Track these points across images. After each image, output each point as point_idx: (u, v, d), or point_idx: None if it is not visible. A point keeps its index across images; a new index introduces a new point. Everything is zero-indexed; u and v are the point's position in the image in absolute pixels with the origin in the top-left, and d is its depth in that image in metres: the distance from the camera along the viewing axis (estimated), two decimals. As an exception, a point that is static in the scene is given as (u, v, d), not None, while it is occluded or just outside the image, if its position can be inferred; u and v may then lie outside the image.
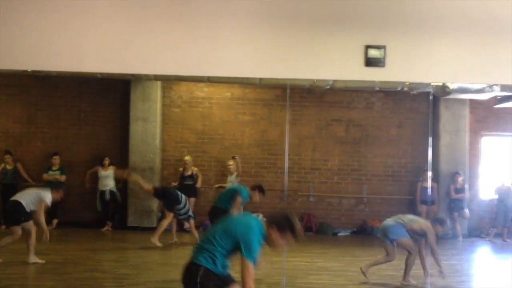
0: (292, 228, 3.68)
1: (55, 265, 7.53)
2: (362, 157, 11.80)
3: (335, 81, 8.87)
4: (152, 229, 10.97)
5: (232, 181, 11.09)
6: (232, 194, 8.13)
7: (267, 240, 3.69)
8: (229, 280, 3.70)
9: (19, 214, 7.44)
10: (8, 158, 11.13)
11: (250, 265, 3.52)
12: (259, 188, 8.21)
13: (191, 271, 3.61)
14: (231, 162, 11.08)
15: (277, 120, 11.68)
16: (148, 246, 9.38)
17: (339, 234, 11.47)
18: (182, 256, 8.96)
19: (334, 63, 6.33)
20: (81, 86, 11.53)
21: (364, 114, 11.82)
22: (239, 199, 7.96)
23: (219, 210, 7.82)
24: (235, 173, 11.03)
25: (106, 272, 7.41)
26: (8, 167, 11.13)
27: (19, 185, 11.03)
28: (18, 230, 7.48)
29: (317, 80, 9.87)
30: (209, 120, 11.78)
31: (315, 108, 11.83)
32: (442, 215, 7.68)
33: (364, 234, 11.40)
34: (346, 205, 11.80)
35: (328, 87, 10.07)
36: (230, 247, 3.59)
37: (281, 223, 3.68)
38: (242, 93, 11.77)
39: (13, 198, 7.76)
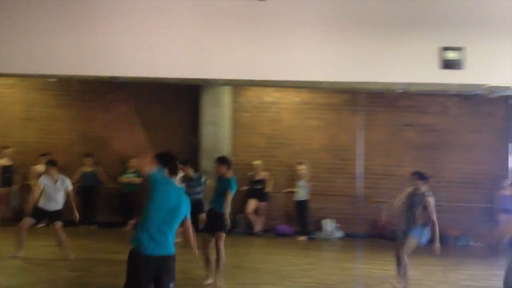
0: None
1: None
2: (437, 163, 11.41)
3: (408, 84, 8.69)
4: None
5: (302, 186, 11.08)
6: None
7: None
8: None
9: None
10: (88, 160, 11.60)
11: None
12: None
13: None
14: (301, 167, 11.07)
15: (347, 125, 11.54)
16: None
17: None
18: (252, 259, 9.14)
19: (408, 66, 6.20)
20: (155, 92, 11.87)
21: (438, 118, 11.45)
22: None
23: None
24: (305, 178, 11.00)
25: (184, 273, 7.55)
26: (88, 169, 11.59)
27: (98, 187, 11.54)
28: None
29: (390, 84, 9.71)
30: (278, 125, 11.81)
31: (386, 112, 11.59)
32: None
33: (444, 242, 10.97)
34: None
35: (402, 90, 9.91)
36: None
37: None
38: (311, 98, 11.72)
39: None
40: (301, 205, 11.21)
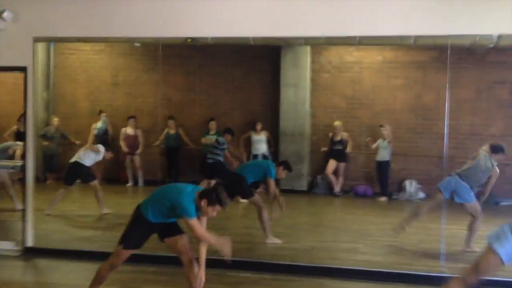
0: (220, 201, 4.17)
1: (215, 221, 7.98)
2: (529, 122, 10.80)
3: (499, 37, 8.16)
4: (303, 192, 11.25)
5: (384, 147, 10.88)
6: (264, 174, 7.37)
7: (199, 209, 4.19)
8: None
9: None
10: (171, 123, 11.98)
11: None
12: (285, 165, 7.58)
13: None
14: (384, 128, 10.85)
15: (432, 84, 11.10)
16: (299, 208, 9.60)
17: (501, 203, 10.69)
18: (332, 218, 9.16)
19: (500, 15, 5.84)
20: (235, 55, 11.98)
21: (532, 74, 10.76)
22: (271, 182, 7.32)
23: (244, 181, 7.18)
24: (387, 139, 10.79)
25: (259, 229, 7.71)
26: (171, 131, 11.97)
27: (181, 148, 11.91)
28: None
29: (479, 38, 9.20)
30: (359, 85, 11.57)
31: (475, 69, 11.01)
32: None
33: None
34: (509, 173, 10.92)
35: (492, 45, 9.36)
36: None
37: (211, 197, 4.14)
38: (394, 56, 11.35)
39: None
40: (383, 166, 11.03)
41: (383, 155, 10.96)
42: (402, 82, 11.28)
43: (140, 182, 11.65)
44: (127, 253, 4.27)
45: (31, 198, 5.97)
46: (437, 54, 10.98)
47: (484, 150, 7.04)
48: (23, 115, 10.09)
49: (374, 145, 10.94)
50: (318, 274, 5.49)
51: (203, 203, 4.12)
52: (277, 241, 6.87)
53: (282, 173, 7.40)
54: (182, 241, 4.32)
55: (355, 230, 7.88)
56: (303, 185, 11.52)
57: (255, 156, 11.53)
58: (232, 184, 6.75)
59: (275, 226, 7.61)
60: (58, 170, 11.58)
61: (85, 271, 5.42)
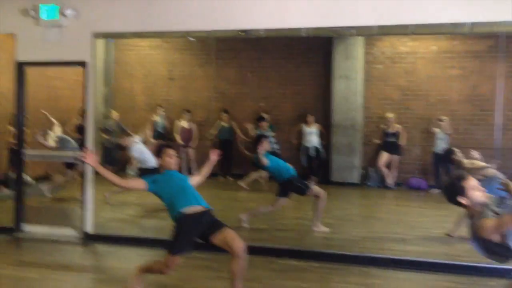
0: None
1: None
2: None
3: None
4: (355, 185, 11.22)
5: (441, 138, 10.65)
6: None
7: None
8: None
9: None
10: (224, 116, 12.22)
11: None
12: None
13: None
14: (442, 119, 10.63)
15: (490, 74, 10.80)
16: (350, 200, 9.62)
17: None
18: (383, 210, 9.12)
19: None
20: (287, 48, 12.06)
21: None
22: None
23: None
24: (445, 131, 10.54)
25: (311, 220, 7.80)
26: (225, 124, 12.21)
27: (234, 141, 12.12)
28: None
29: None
30: (413, 75, 11.39)
31: (535, 58, 10.63)
32: None
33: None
34: None
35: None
36: None
37: None
38: (450, 45, 11.11)
39: None
40: (439, 158, 10.80)
41: (440, 146, 10.76)
42: (458, 72, 11.02)
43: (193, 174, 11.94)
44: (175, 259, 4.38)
45: (90, 187, 6.29)
46: (494, 42, 10.65)
47: None
48: (84, 109, 10.63)
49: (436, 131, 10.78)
50: (365, 263, 5.53)
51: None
52: (325, 229, 6.94)
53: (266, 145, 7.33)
54: (228, 234, 4.28)
55: (406, 222, 7.83)
56: (355, 177, 11.48)
57: (307, 149, 11.61)
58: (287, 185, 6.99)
59: (325, 218, 7.68)
60: (117, 162, 12.06)
61: (139, 256, 5.72)
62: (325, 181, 11.52)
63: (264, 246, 5.96)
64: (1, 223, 6.76)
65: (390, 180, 11.19)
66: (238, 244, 4.19)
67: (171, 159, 4.68)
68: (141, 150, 8.62)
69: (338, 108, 11.50)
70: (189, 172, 12.05)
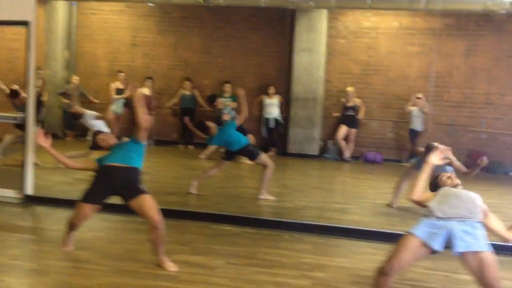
0: None
1: (216, 180, 8.20)
2: (546, 93, 10.58)
3: (511, 3, 7.98)
4: (314, 157, 11.34)
5: (417, 116, 10.71)
6: None
7: None
8: None
9: None
10: (187, 84, 12.16)
11: None
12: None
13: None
14: (418, 96, 10.65)
15: (448, 51, 10.94)
16: (304, 171, 9.73)
17: (510, 173, 10.58)
18: (334, 181, 9.26)
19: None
20: (252, 18, 12.00)
21: (552, 43, 10.47)
22: None
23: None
24: (421, 108, 10.61)
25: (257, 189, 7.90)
26: (187, 93, 12.16)
27: (196, 110, 12.09)
28: None
29: (491, 4, 9.02)
30: (375, 51, 11.47)
31: (493, 37, 10.78)
32: None
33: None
34: (521, 144, 10.77)
35: (504, 11, 9.16)
36: None
37: None
38: (411, 22, 11.18)
39: None
40: (414, 135, 10.77)
41: (416, 123, 10.83)
42: (418, 49, 11.13)
43: (151, 142, 11.90)
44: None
45: (31, 148, 6.25)
46: (453, 21, 10.80)
47: None
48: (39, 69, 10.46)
49: (408, 109, 10.86)
50: (299, 230, 5.63)
51: None
52: (270, 197, 7.04)
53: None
54: (145, 203, 4.31)
55: (352, 192, 7.98)
56: (314, 149, 11.61)
57: (267, 120, 11.66)
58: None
59: (274, 187, 7.79)
60: (77, 127, 11.95)
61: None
62: (284, 152, 11.64)
63: (200, 212, 6.04)
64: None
65: (347, 153, 11.35)
66: (154, 215, 4.25)
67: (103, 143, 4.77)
68: (93, 120, 8.63)
69: (299, 80, 11.53)
70: (148, 141, 12.00)
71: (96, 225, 5.47)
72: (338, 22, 11.67)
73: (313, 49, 11.44)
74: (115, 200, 4.50)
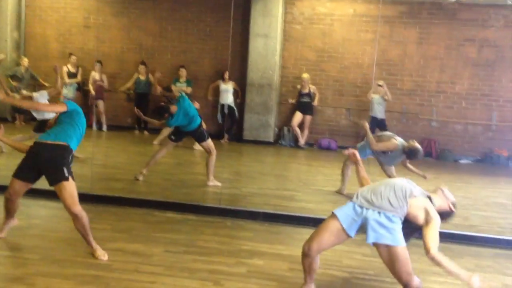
0: None
1: (167, 166, 8.09)
2: (495, 81, 10.80)
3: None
4: (269, 143, 11.32)
5: (379, 103, 10.60)
6: None
7: None
8: None
9: None
10: (142, 68, 11.92)
11: None
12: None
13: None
14: (379, 83, 10.64)
15: (399, 39, 11.04)
16: (257, 158, 9.70)
17: (461, 161, 10.81)
18: (285, 168, 9.26)
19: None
20: (208, 1, 11.83)
21: (501, 33, 10.67)
22: None
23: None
24: (382, 96, 10.55)
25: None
26: (141, 77, 11.92)
27: (150, 94, 11.88)
28: None
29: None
30: (330, 37, 11.47)
31: (445, 26, 10.92)
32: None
33: (489, 163, 10.62)
34: (471, 132, 10.99)
35: (455, 1, 9.26)
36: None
37: None
38: (365, 9, 11.22)
39: None
40: (376, 122, 10.53)
41: (377, 111, 10.71)
42: (371, 36, 11.18)
43: (104, 127, 11.70)
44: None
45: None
46: (406, 9, 10.89)
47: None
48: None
49: (369, 96, 10.69)
50: (243, 217, 5.60)
51: None
52: (217, 184, 6.98)
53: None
54: (62, 193, 4.18)
55: (301, 179, 7.98)
56: (269, 136, 11.60)
57: (222, 106, 11.56)
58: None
59: (224, 173, 7.74)
60: (27, 111, 11.58)
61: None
62: (239, 139, 11.58)
63: (143, 199, 5.94)
64: None
65: (302, 140, 11.37)
66: (71, 205, 4.13)
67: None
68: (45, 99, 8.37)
69: (255, 66, 11.46)
70: (99, 126, 11.78)
71: (33, 212, 5.31)
72: (294, 7, 11.62)
73: (269, 34, 11.37)
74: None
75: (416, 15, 10.98)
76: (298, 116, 11.35)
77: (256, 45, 11.41)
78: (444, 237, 4.23)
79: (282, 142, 11.59)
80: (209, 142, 7.08)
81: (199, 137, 7.14)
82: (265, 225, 5.47)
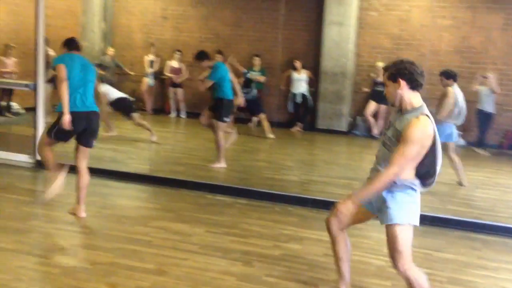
0: None
1: (234, 153, 8.24)
2: None
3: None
4: (342, 133, 11.18)
5: (486, 95, 9.80)
6: None
7: None
8: None
9: None
10: (218, 57, 12.14)
11: None
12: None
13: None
14: (488, 75, 9.72)
15: (482, 25, 10.44)
16: (325, 147, 9.64)
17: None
18: (351, 158, 9.12)
19: None
20: (281, -10, 11.85)
21: None
22: None
23: None
24: (491, 88, 9.78)
25: (271, 163, 7.92)
26: (217, 66, 12.19)
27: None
28: None
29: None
30: (407, 24, 11.08)
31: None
32: None
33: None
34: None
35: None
36: None
37: None
38: (446, -6, 10.72)
39: None
40: (485, 116, 9.88)
41: (485, 103, 9.94)
42: (451, 22, 10.67)
43: (183, 114, 12.10)
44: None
45: (41, 116, 6.50)
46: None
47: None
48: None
49: (476, 88, 9.78)
50: (292, 203, 5.62)
51: None
52: (223, 165, 7.07)
53: None
54: (79, 153, 4.83)
55: (365, 169, 7.77)
56: (342, 125, 11.44)
57: (294, 95, 11.55)
58: None
59: (287, 160, 7.81)
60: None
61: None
62: (312, 128, 11.53)
63: (197, 181, 6.12)
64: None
65: (376, 129, 11.13)
66: (80, 164, 4.80)
67: None
68: (106, 87, 9.00)
69: (328, 55, 11.33)
70: (177, 112, 12.21)
71: (94, 190, 5.66)
72: (371, -6, 11.34)
73: (343, 22, 11.19)
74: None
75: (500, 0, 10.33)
76: (372, 105, 11.11)
77: (330, 33, 11.28)
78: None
79: (356, 132, 11.40)
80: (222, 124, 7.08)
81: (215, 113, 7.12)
82: (313, 212, 5.46)
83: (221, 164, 7.06)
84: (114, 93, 8.84)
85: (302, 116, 11.63)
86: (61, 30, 11.63)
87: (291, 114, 11.66)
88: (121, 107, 8.96)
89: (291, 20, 11.89)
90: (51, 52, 9.40)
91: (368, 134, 11.22)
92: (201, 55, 7.14)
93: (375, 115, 11.15)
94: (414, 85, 3.09)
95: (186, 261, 3.90)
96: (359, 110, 11.51)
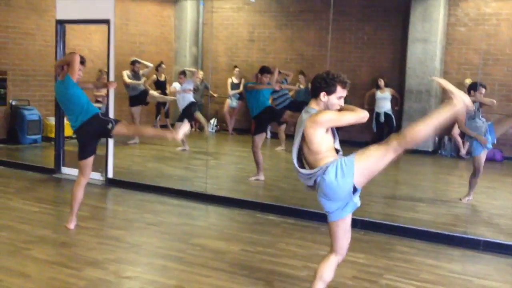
0: None
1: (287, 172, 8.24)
2: None
3: None
4: (428, 153, 10.76)
5: None
6: None
7: None
8: None
9: None
10: (301, 78, 12.29)
11: None
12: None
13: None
14: None
15: None
16: (406, 168, 9.31)
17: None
18: (426, 178, 8.68)
19: None
20: (366, 9, 11.73)
21: None
22: None
23: None
24: None
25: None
26: (302, 86, 12.28)
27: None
28: None
29: None
30: (496, 38, 10.46)
31: None
32: None
33: None
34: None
35: None
36: None
37: None
38: (538, 5, 10.00)
39: None
40: None
41: None
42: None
43: (268, 133, 12.26)
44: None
45: (111, 139, 6.98)
46: None
47: None
48: (159, 65, 11.43)
49: None
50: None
51: None
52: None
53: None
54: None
55: (439, 190, 7.50)
56: (428, 145, 11.00)
57: (378, 114, 11.30)
58: None
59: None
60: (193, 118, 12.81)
61: (139, 201, 6.27)
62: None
63: (247, 200, 6.21)
64: (47, 165, 7.80)
65: (463, 150, 10.55)
66: (83, 174, 5.08)
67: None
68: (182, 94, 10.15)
69: (413, 72, 11.02)
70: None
71: (148, 207, 5.94)
72: (458, 9, 10.87)
73: (428, 39, 10.83)
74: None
75: None
76: (459, 125, 10.55)
77: (414, 51, 10.95)
78: None
79: (443, 152, 10.89)
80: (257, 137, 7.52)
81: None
82: (361, 233, 5.32)
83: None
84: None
85: (386, 136, 11.29)
86: (156, 56, 12.43)
87: (374, 134, 11.41)
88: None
89: (375, 39, 11.73)
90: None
91: (455, 154, 10.66)
92: (262, 70, 7.63)
93: (463, 135, 10.58)
94: None
95: (208, 279, 3.98)
96: (445, 129, 10.99)
